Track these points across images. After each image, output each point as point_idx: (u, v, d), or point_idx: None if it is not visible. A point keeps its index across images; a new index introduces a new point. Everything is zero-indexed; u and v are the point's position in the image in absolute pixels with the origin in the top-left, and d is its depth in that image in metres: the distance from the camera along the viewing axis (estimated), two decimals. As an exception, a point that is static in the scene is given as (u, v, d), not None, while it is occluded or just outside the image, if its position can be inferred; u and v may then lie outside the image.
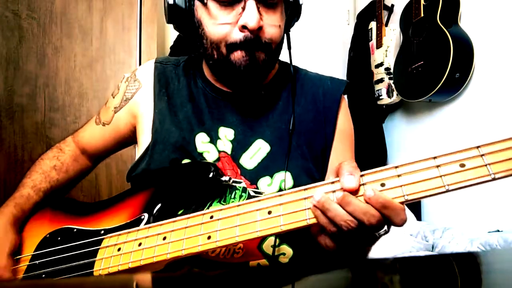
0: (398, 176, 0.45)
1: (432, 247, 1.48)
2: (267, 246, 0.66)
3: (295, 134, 0.72)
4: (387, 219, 0.45)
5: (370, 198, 0.44)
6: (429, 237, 1.53)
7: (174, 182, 0.65)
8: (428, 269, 0.33)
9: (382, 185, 0.45)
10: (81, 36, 1.58)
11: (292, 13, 0.72)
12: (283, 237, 0.67)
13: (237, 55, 0.65)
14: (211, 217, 0.52)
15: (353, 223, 0.45)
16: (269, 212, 0.49)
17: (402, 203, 0.45)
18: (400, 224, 0.45)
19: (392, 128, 2.14)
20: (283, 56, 0.78)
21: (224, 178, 0.64)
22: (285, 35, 0.74)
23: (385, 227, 0.46)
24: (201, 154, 0.70)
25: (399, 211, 0.45)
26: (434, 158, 0.44)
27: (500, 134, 0.43)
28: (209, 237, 0.51)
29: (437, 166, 0.43)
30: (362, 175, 0.47)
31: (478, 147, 0.42)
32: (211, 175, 0.62)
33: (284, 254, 0.68)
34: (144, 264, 0.53)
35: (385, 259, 0.49)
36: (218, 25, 0.65)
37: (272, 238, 0.67)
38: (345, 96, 0.83)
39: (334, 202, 0.46)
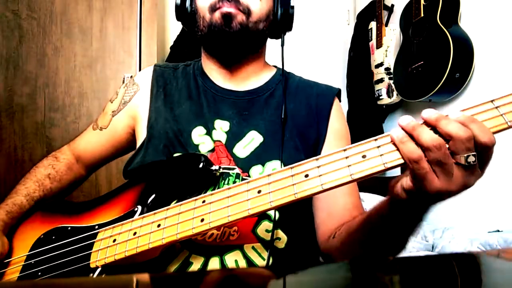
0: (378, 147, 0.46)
1: (432, 247, 1.48)
2: (261, 230, 0.68)
3: (288, 127, 0.74)
4: (475, 139, 0.41)
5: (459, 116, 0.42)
6: (429, 237, 1.53)
7: (166, 175, 0.67)
8: (428, 269, 0.33)
9: (363, 156, 0.46)
10: (81, 36, 1.58)
11: None
12: (278, 222, 0.69)
13: (217, 14, 0.70)
14: (203, 201, 0.54)
15: (440, 142, 0.42)
16: (259, 191, 0.50)
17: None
18: (489, 143, 0.41)
19: (392, 128, 2.13)
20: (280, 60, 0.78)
21: (214, 168, 0.66)
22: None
23: (473, 153, 0.41)
24: (197, 146, 0.72)
25: (486, 129, 0.42)
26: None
27: (500, 133, 0.43)
28: (202, 220, 0.52)
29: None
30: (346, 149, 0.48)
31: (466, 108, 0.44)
32: (201, 165, 0.64)
33: (279, 239, 0.69)
34: (140, 252, 0.54)
35: (385, 259, 0.49)
36: None
37: (266, 222, 0.69)
38: (342, 102, 0.84)
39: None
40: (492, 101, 0.44)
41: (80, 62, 1.58)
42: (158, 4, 1.68)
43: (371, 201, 1.54)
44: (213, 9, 0.70)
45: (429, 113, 0.44)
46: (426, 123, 0.44)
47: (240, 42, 0.73)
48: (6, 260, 0.68)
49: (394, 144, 0.45)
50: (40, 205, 0.78)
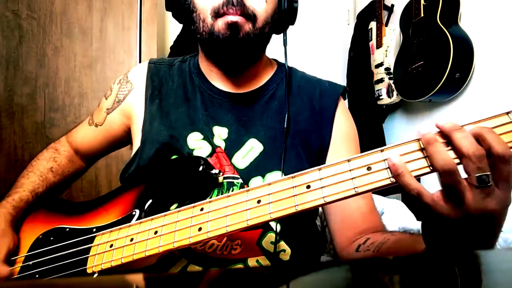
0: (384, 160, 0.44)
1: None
2: (267, 242, 0.66)
3: (290, 133, 0.71)
4: (491, 150, 0.39)
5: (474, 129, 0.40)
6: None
7: (164, 178, 0.65)
8: (428, 269, 0.33)
9: (368, 168, 0.45)
10: (81, 36, 1.58)
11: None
12: (282, 234, 0.67)
13: (221, 23, 0.65)
14: (201, 209, 0.52)
15: (454, 166, 0.40)
16: (258, 201, 0.49)
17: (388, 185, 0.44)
18: (505, 155, 0.38)
19: (392, 128, 2.14)
20: (280, 55, 0.77)
21: (214, 171, 0.63)
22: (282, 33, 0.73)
23: (486, 174, 0.39)
24: (192, 150, 0.69)
25: (502, 140, 0.39)
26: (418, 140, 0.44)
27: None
28: (199, 229, 0.51)
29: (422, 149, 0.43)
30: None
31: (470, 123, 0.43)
32: (200, 168, 0.62)
33: (284, 251, 0.68)
34: (137, 259, 0.53)
35: (385, 259, 0.49)
36: None
37: (272, 234, 0.66)
38: (345, 101, 0.81)
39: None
40: (507, 113, 0.42)
41: (80, 62, 1.58)
42: (158, 4, 1.67)
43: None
44: (216, 14, 0.65)
45: (443, 122, 0.42)
46: (441, 133, 0.42)
47: (246, 51, 0.69)
48: (12, 258, 0.68)
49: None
50: (42, 202, 0.78)
